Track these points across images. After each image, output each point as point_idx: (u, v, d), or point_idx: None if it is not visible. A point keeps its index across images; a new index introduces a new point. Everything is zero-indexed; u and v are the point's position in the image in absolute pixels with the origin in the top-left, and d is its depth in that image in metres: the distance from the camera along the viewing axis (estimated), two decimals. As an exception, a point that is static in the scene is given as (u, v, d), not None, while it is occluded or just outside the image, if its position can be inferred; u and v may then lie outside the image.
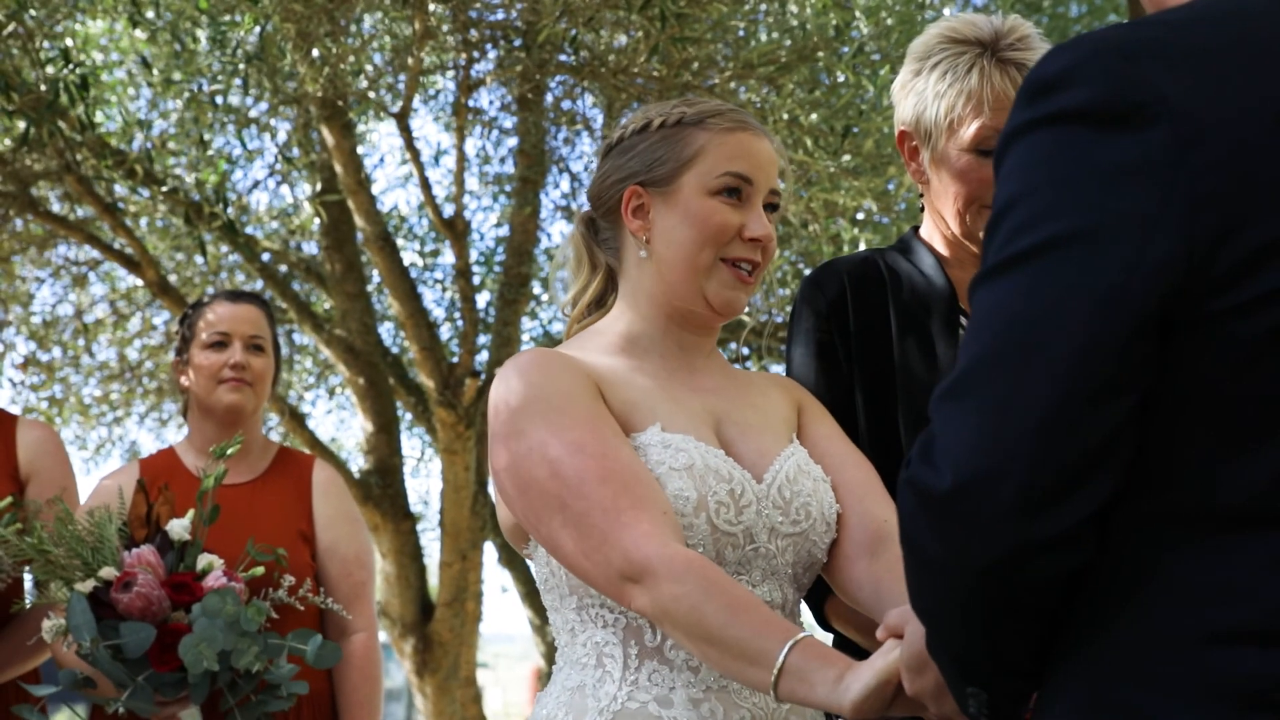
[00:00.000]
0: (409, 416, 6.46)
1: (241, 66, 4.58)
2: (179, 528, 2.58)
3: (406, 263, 5.98)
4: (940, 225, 2.16)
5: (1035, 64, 1.19)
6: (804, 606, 1.94)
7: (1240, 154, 1.11)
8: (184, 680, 2.48)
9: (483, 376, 5.69)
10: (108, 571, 2.49)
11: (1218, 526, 1.13)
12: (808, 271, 2.38)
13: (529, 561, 1.87)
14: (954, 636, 1.22)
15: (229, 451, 2.69)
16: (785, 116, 4.43)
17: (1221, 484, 1.13)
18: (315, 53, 4.45)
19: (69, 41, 4.76)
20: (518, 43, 4.72)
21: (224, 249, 6.31)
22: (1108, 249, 1.11)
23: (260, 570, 2.67)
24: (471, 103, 5.61)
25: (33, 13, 4.35)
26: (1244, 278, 1.10)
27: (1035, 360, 1.11)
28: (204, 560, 2.58)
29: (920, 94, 2.09)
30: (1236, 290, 1.10)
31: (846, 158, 4.48)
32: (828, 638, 2.06)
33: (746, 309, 5.87)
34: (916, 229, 2.24)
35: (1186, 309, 1.11)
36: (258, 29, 4.33)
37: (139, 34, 4.97)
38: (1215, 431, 1.13)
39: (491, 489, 1.87)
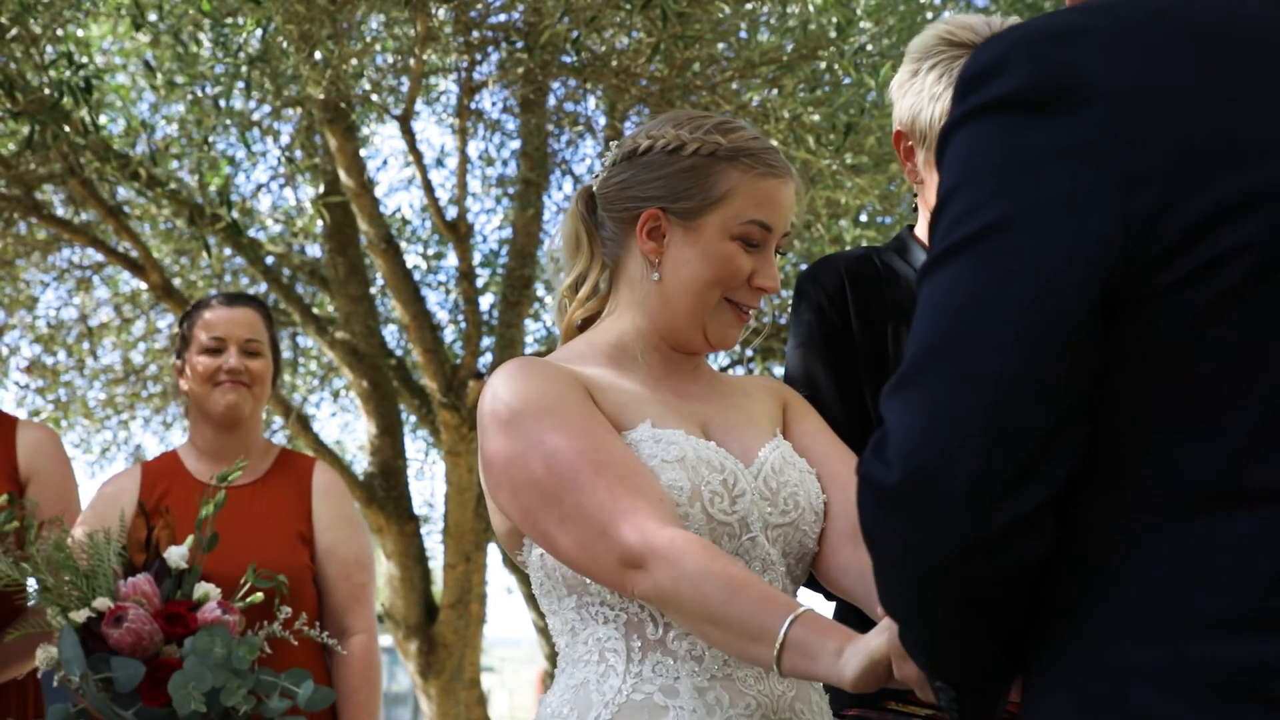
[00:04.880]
0: (413, 419, 6.46)
1: (244, 69, 4.58)
2: (177, 556, 2.57)
3: (410, 265, 5.98)
4: (933, 225, 2.16)
5: (968, 58, 1.19)
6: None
7: (1175, 130, 1.11)
8: (174, 715, 2.46)
9: (486, 379, 5.68)
10: (101, 602, 2.47)
11: (1187, 508, 1.11)
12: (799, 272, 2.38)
13: (526, 569, 1.87)
14: (920, 633, 1.21)
15: (231, 477, 2.68)
16: (787, 115, 4.42)
17: (1183, 464, 1.11)
18: (318, 55, 4.45)
19: (72, 45, 4.76)
20: (520, 44, 4.72)
21: (227, 252, 6.31)
22: (1045, 232, 1.10)
23: (260, 597, 2.64)
24: (474, 105, 5.61)
25: (36, 16, 4.36)
26: (1183, 251, 1.09)
27: (979, 347, 1.10)
28: (200, 590, 2.56)
29: (917, 95, 2.10)
30: (1176, 264, 1.10)
31: (849, 156, 4.47)
32: (829, 608, 2.07)
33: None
34: (912, 228, 2.24)
35: (1130, 287, 1.11)
36: (260, 31, 4.33)
37: (142, 37, 4.97)
38: (1170, 410, 1.12)
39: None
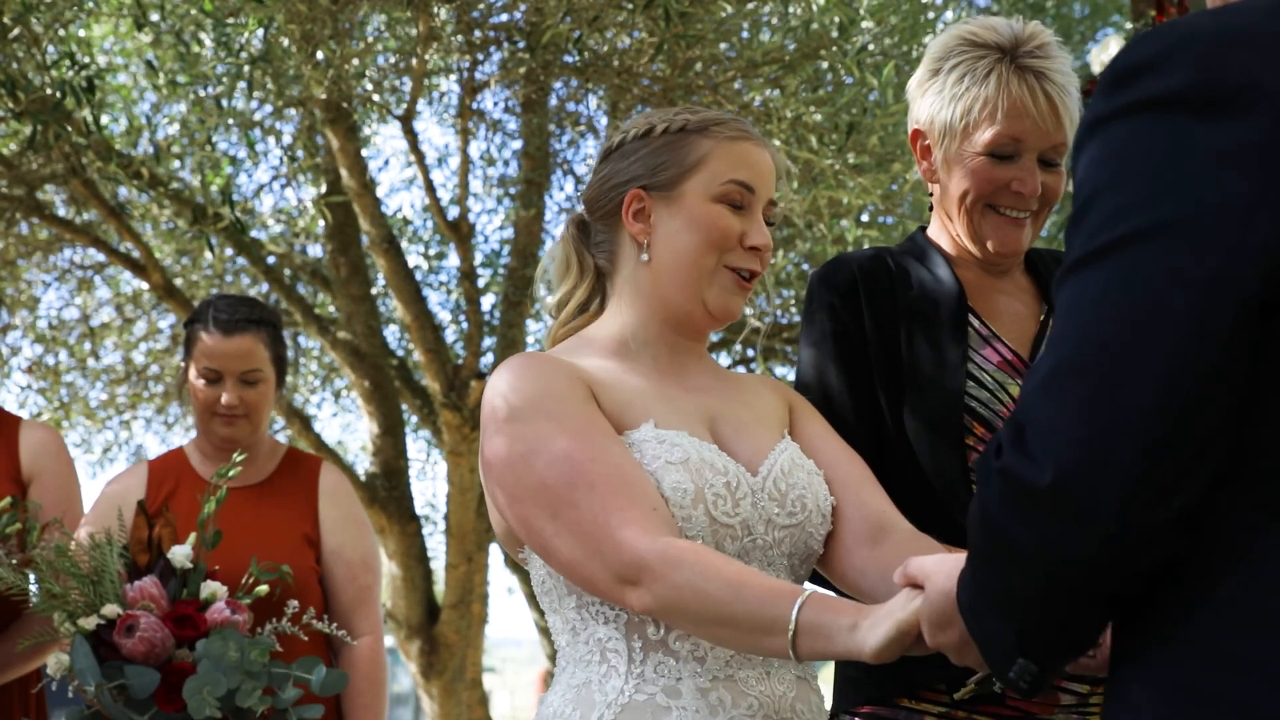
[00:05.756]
0: (414, 419, 6.45)
1: (246, 69, 4.57)
2: (181, 555, 2.56)
3: (411, 265, 5.98)
4: (948, 226, 2.16)
5: (1119, 52, 1.18)
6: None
7: None
8: (189, 719, 2.46)
9: (488, 379, 5.67)
10: (111, 610, 2.47)
11: None
12: (812, 273, 2.38)
13: (526, 566, 1.87)
14: (1028, 620, 1.21)
15: (230, 474, 2.68)
16: (789, 115, 4.42)
17: None
18: (320, 55, 4.45)
19: (74, 45, 4.76)
20: (522, 44, 4.72)
21: (229, 252, 6.31)
22: (1210, 234, 1.09)
23: (264, 589, 2.64)
24: (476, 105, 5.61)
25: (38, 16, 4.35)
26: None
27: (1138, 348, 1.10)
28: (207, 590, 2.56)
29: (937, 95, 2.10)
30: None
31: (851, 156, 4.47)
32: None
33: (750, 309, 5.88)
34: (924, 228, 2.24)
35: None
36: (262, 31, 4.33)
37: (144, 37, 4.97)
38: None
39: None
